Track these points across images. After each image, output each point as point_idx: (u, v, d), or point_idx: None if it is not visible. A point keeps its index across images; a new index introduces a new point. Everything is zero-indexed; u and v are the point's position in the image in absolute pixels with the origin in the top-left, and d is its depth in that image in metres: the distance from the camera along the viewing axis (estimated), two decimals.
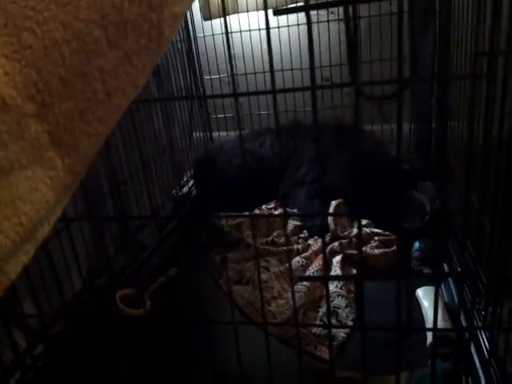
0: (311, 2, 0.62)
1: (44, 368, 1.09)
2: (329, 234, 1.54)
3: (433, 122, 1.83)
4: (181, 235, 1.80)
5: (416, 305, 1.20)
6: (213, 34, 2.22)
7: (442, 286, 1.24)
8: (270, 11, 0.57)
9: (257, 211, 1.79)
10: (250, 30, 2.18)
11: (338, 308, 1.23)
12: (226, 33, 0.60)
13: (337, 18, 2.09)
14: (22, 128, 0.35)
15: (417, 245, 1.42)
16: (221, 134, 2.40)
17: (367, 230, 1.54)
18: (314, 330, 1.17)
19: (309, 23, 0.57)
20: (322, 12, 2.09)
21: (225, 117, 2.31)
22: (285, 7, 0.56)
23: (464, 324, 1.04)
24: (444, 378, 0.91)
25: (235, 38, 2.22)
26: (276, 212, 1.79)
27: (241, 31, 2.20)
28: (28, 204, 0.39)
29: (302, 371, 0.76)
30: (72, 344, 1.14)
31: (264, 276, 1.39)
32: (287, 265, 1.44)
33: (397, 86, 1.79)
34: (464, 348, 0.96)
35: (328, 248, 1.46)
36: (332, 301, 1.25)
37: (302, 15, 1.95)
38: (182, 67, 2.17)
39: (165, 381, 1.09)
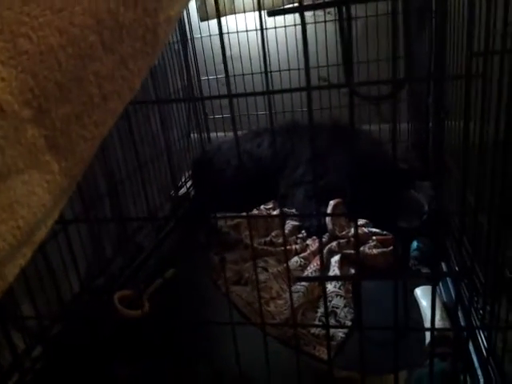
0: (307, 3, 0.62)
1: (42, 370, 1.09)
2: (327, 233, 1.55)
3: (430, 122, 1.84)
4: (179, 236, 1.80)
5: (414, 304, 1.20)
6: (210, 35, 2.22)
7: (441, 285, 1.24)
8: (265, 12, 0.57)
9: (255, 211, 1.79)
10: (247, 31, 2.18)
11: (337, 308, 1.23)
12: (220, 33, 0.60)
13: (333, 18, 2.09)
14: (19, 133, 0.35)
15: (415, 244, 1.43)
16: (218, 134, 2.40)
17: (365, 229, 1.54)
18: (313, 330, 1.17)
19: (303, 24, 0.58)
20: (319, 12, 2.09)
21: (222, 117, 2.31)
22: (279, 8, 0.56)
23: (462, 323, 1.05)
24: (442, 377, 0.91)
25: (232, 38, 2.22)
26: (274, 212, 1.80)
27: (238, 32, 2.20)
28: (25, 207, 0.39)
29: (300, 371, 0.76)
30: (70, 346, 1.15)
31: (262, 276, 1.39)
32: (285, 265, 1.44)
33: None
34: (462, 347, 0.96)
35: (326, 248, 1.46)
36: (330, 301, 1.25)
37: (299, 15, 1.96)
38: (179, 68, 2.17)
39: (163, 382, 1.09)
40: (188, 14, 2.22)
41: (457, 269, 1.21)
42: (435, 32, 1.59)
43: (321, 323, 1.20)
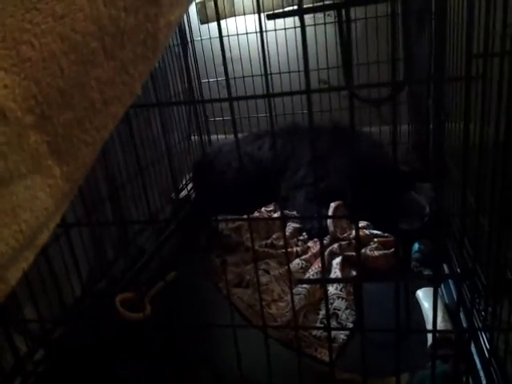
0: (307, 5, 0.62)
1: (44, 374, 1.09)
2: (328, 236, 1.55)
3: (430, 124, 1.84)
4: (180, 239, 1.80)
5: (416, 306, 1.20)
6: (210, 38, 2.22)
7: (442, 286, 1.24)
8: (265, 15, 0.57)
9: (256, 214, 1.79)
10: (247, 33, 2.19)
11: (338, 310, 1.23)
12: (220, 36, 0.60)
13: (333, 20, 2.10)
14: (22, 139, 0.36)
15: (416, 246, 1.43)
16: (219, 136, 2.40)
17: (366, 231, 1.54)
18: (315, 332, 1.17)
19: (303, 27, 0.58)
20: (319, 15, 2.09)
21: (223, 120, 2.31)
22: (279, 11, 0.57)
23: (464, 325, 1.05)
24: (444, 379, 0.91)
25: (232, 40, 2.22)
26: (275, 215, 1.80)
27: (238, 34, 2.21)
28: (28, 212, 0.39)
29: (302, 373, 0.76)
30: (72, 349, 1.15)
31: (264, 279, 1.39)
32: (287, 267, 1.44)
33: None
34: (464, 349, 0.96)
35: (328, 250, 1.46)
36: (332, 303, 1.25)
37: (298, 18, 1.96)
38: (180, 71, 2.17)
39: None
40: (188, 16, 2.22)
41: (458, 270, 1.20)
42: (435, 34, 1.59)
43: (322, 325, 1.20)
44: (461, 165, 0.64)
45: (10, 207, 0.37)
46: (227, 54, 2.22)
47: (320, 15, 2.09)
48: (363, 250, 1.45)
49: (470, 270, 1.02)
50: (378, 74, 2.00)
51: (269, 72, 2.10)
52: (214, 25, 2.21)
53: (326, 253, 1.45)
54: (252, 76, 2.20)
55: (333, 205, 1.62)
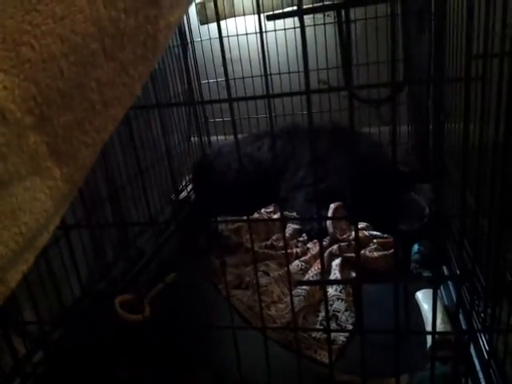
0: (306, 6, 0.62)
1: (43, 375, 1.08)
2: (328, 237, 1.55)
3: (430, 124, 1.84)
4: (180, 240, 1.80)
5: (416, 308, 1.20)
6: (210, 38, 2.22)
7: (442, 288, 1.24)
8: (265, 16, 0.57)
9: (256, 215, 1.79)
10: (246, 34, 2.19)
11: (338, 312, 1.23)
12: (220, 37, 0.60)
13: (333, 20, 2.10)
14: (21, 140, 0.36)
15: (416, 247, 1.42)
16: (219, 137, 2.40)
17: (366, 232, 1.54)
18: (314, 333, 1.17)
19: (302, 28, 0.58)
20: (318, 15, 2.10)
21: (223, 121, 2.31)
22: (279, 12, 0.57)
23: (464, 326, 1.05)
24: (443, 380, 0.91)
25: (232, 41, 2.22)
26: (275, 216, 1.80)
27: (238, 35, 2.21)
28: (27, 214, 0.39)
29: (301, 375, 0.76)
30: (72, 350, 1.14)
31: (263, 280, 1.39)
32: (286, 269, 1.44)
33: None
34: (463, 350, 0.96)
35: (327, 251, 1.46)
36: (332, 304, 1.25)
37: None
38: (180, 72, 2.17)
39: None
40: (188, 17, 2.22)
41: (458, 272, 1.20)
42: (434, 34, 1.59)
43: (322, 327, 1.20)
44: (460, 166, 0.64)
45: (9, 209, 0.37)
46: (227, 55, 2.22)
47: (319, 16, 2.09)
48: (363, 251, 1.45)
49: (469, 271, 1.02)
50: (377, 74, 2.00)
51: (268, 73, 2.10)
52: (213, 25, 2.21)
53: (326, 254, 1.45)
54: (252, 77, 2.20)
55: (332, 206, 1.62)
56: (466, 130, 0.61)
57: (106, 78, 0.41)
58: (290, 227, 1.68)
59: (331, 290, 1.30)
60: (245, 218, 0.81)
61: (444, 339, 0.99)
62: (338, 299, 1.27)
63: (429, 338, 1.06)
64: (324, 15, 2.09)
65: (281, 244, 1.59)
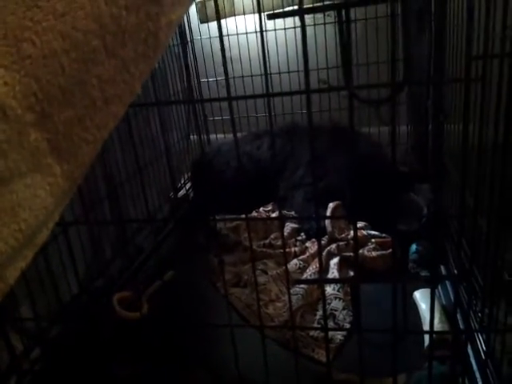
0: (307, 5, 0.62)
1: (41, 372, 1.08)
2: (326, 236, 1.55)
3: (429, 125, 1.84)
4: (178, 238, 1.80)
5: (414, 307, 1.20)
6: (209, 37, 2.22)
7: (440, 288, 1.24)
8: (265, 15, 0.57)
9: (254, 214, 1.79)
10: (246, 33, 2.19)
11: (336, 310, 1.23)
12: (220, 36, 0.60)
13: (333, 20, 2.10)
14: (22, 137, 0.36)
15: (414, 247, 1.43)
16: (218, 136, 2.40)
17: (364, 232, 1.54)
18: (312, 332, 1.17)
19: (303, 27, 0.58)
20: (319, 15, 2.09)
21: (222, 119, 2.31)
22: (279, 11, 0.57)
23: (461, 326, 1.05)
24: (441, 380, 0.91)
25: (232, 40, 2.22)
26: (273, 214, 1.80)
27: (238, 34, 2.21)
28: (27, 210, 0.39)
29: (299, 374, 0.76)
30: (69, 347, 1.14)
31: (262, 279, 1.39)
32: (285, 267, 1.44)
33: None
34: (461, 350, 0.96)
35: (325, 250, 1.46)
36: (329, 303, 1.25)
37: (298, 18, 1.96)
38: (179, 70, 2.17)
39: None
40: (188, 16, 2.22)
41: (456, 272, 1.21)
42: (434, 35, 1.60)
43: (319, 326, 1.21)
44: (460, 166, 0.64)
45: (9, 206, 0.37)
46: (227, 54, 2.21)
47: (320, 15, 2.09)
48: (361, 251, 1.45)
49: (467, 271, 1.02)
50: (377, 74, 2.00)
51: (268, 72, 2.10)
52: (213, 24, 2.21)
53: (324, 253, 1.45)
54: (251, 76, 2.20)
55: (331, 205, 1.62)
56: (465, 131, 0.61)
57: (107, 75, 0.41)
58: (289, 226, 1.68)
59: (329, 289, 1.30)
60: (243, 216, 0.80)
61: (441, 339, 1.00)
62: (336, 298, 1.27)
63: (426, 338, 1.06)
64: (324, 15, 2.09)
65: (279, 243, 1.60)
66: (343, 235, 1.55)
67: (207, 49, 2.24)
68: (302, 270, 1.42)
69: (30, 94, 0.35)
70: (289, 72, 2.16)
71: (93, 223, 1.40)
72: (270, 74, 2.12)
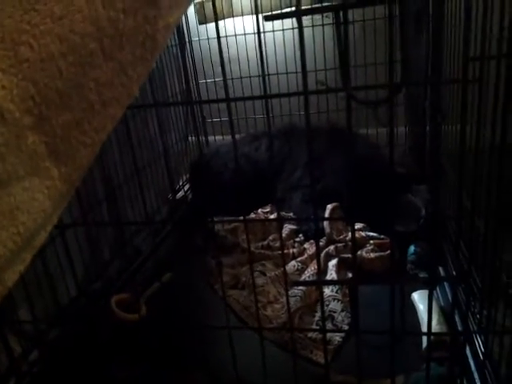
0: (305, 6, 0.62)
1: (39, 374, 1.08)
2: (324, 237, 1.55)
3: (427, 126, 1.84)
4: (176, 240, 1.80)
5: (412, 308, 1.20)
6: (208, 38, 2.22)
7: (438, 289, 1.24)
8: (261, 16, 0.57)
9: (253, 215, 1.79)
10: (245, 34, 2.19)
11: (334, 312, 1.23)
12: (218, 37, 0.61)
13: (331, 21, 2.10)
14: (20, 140, 0.36)
15: (412, 248, 1.43)
16: (217, 137, 2.40)
17: (362, 233, 1.54)
18: (310, 334, 1.17)
19: (300, 29, 0.58)
20: (317, 16, 2.10)
21: (220, 121, 2.31)
22: (277, 12, 0.57)
23: (459, 327, 1.05)
24: (439, 381, 0.91)
25: (231, 41, 2.22)
26: (272, 216, 1.80)
27: (236, 35, 2.21)
28: (25, 214, 0.39)
29: (297, 375, 0.76)
30: (67, 349, 1.14)
31: (260, 280, 1.39)
32: (283, 269, 1.44)
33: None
34: (459, 351, 0.97)
35: (324, 252, 1.46)
36: (328, 305, 1.25)
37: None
38: (178, 72, 2.17)
39: None
40: (186, 17, 2.22)
41: (454, 273, 1.21)
42: (432, 36, 1.60)
43: (318, 327, 1.21)
44: (457, 167, 0.64)
45: (8, 209, 0.37)
46: (225, 55, 2.22)
47: (318, 17, 2.09)
48: (359, 252, 1.45)
49: (465, 272, 1.02)
50: (375, 75, 2.01)
51: (266, 73, 2.11)
52: (212, 25, 2.21)
53: (322, 255, 1.45)
54: (250, 77, 2.20)
55: (329, 206, 1.62)
56: (462, 132, 0.61)
57: (105, 78, 0.41)
58: (287, 227, 1.68)
59: (327, 291, 1.30)
60: (241, 218, 0.81)
61: (439, 340, 1.00)
62: (334, 300, 1.27)
63: (424, 339, 1.06)
64: (322, 16, 2.09)
65: (277, 244, 1.60)
66: (341, 237, 1.55)
67: (206, 50, 2.24)
68: (301, 271, 1.42)
69: (27, 97, 0.35)
70: (287, 73, 2.16)
71: (91, 225, 1.40)
72: (268, 75, 2.12)
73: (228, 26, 2.21)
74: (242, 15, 2.18)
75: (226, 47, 2.23)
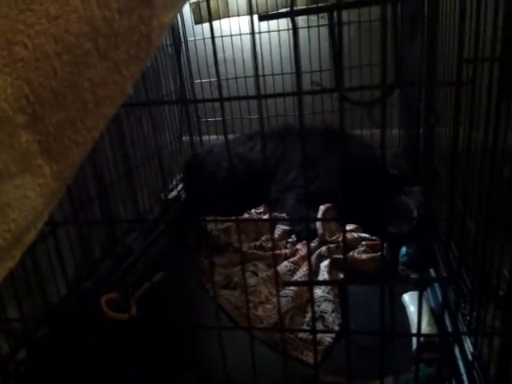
0: (302, 7, 0.63)
1: (27, 374, 1.08)
2: (317, 238, 1.55)
3: (421, 127, 1.85)
4: (169, 239, 1.80)
5: (403, 310, 1.21)
6: (203, 38, 2.22)
7: (429, 291, 1.25)
8: (256, 16, 0.57)
9: (246, 215, 1.79)
10: (240, 34, 2.19)
11: (325, 313, 1.23)
12: (212, 37, 0.61)
13: (327, 22, 2.10)
14: (13, 138, 0.36)
15: (404, 250, 1.43)
16: (212, 137, 2.40)
17: (355, 234, 1.55)
18: (301, 334, 1.18)
19: (294, 29, 0.58)
20: (313, 17, 2.10)
21: (215, 120, 2.31)
22: (273, 12, 0.57)
23: (449, 329, 1.05)
24: (428, 382, 0.92)
25: (226, 41, 2.22)
26: (265, 216, 1.80)
27: (232, 35, 2.21)
28: (16, 211, 0.39)
29: (287, 376, 0.77)
30: (56, 349, 1.14)
31: (252, 281, 1.39)
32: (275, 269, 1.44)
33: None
34: (448, 353, 0.97)
35: (316, 252, 1.47)
36: (319, 305, 1.26)
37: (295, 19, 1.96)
38: (173, 71, 2.17)
39: None
40: (182, 17, 2.22)
41: (444, 274, 1.21)
42: (427, 37, 1.60)
43: (309, 328, 1.21)
44: (449, 169, 0.64)
45: None
46: (221, 55, 2.22)
47: (313, 17, 2.10)
48: (351, 253, 1.46)
49: (454, 272, 1.03)
50: (370, 76, 2.01)
51: (262, 73, 2.11)
52: (208, 25, 2.21)
53: (315, 255, 1.45)
54: (245, 77, 2.20)
55: (322, 207, 1.63)
56: (455, 134, 0.61)
57: (99, 77, 0.41)
58: (280, 228, 1.68)
59: (319, 291, 1.30)
60: (233, 218, 0.81)
61: (429, 341, 1.00)
62: (326, 300, 1.27)
63: (414, 340, 1.07)
64: (318, 17, 2.10)
65: (270, 245, 1.60)
66: (334, 237, 1.55)
67: (201, 50, 2.24)
68: (293, 272, 1.43)
69: (21, 96, 0.35)
70: (282, 74, 2.17)
71: (82, 223, 1.39)
72: (264, 75, 2.13)
73: (224, 26, 2.21)
74: (238, 15, 2.18)
75: (221, 47, 2.23)
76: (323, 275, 1.37)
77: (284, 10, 2.10)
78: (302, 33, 2.12)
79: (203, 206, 1.89)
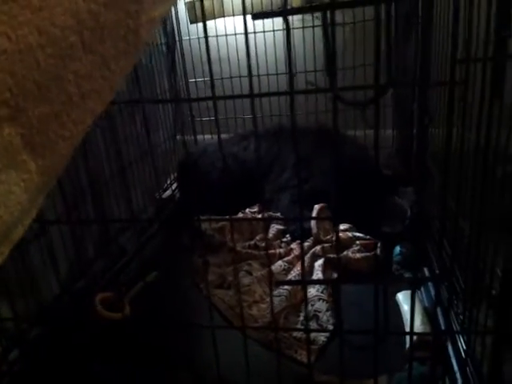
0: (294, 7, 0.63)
1: (19, 374, 1.07)
2: (311, 237, 1.55)
3: (414, 128, 1.85)
4: (162, 239, 1.79)
5: (397, 309, 1.21)
6: (198, 37, 2.21)
7: (422, 290, 1.25)
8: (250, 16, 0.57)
9: (240, 215, 1.79)
10: (235, 34, 2.19)
11: (319, 312, 1.23)
12: (206, 37, 0.61)
13: (321, 23, 2.10)
14: None
15: (398, 249, 1.44)
16: (206, 136, 2.39)
17: (349, 234, 1.55)
18: (295, 333, 1.17)
19: (287, 28, 0.58)
20: (307, 17, 2.10)
21: (209, 120, 2.31)
22: (267, 11, 0.57)
23: (442, 327, 1.05)
24: (421, 381, 0.92)
25: (221, 41, 2.22)
26: (259, 216, 1.80)
27: (226, 35, 2.21)
28: (2, 207, 0.38)
29: (281, 375, 0.76)
30: (49, 348, 1.13)
31: (246, 280, 1.39)
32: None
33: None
34: (441, 351, 0.97)
35: (310, 252, 1.47)
36: (313, 305, 1.25)
37: (289, 19, 1.96)
38: (167, 70, 2.16)
39: None
40: (177, 15, 2.21)
41: (437, 273, 1.22)
42: (421, 38, 1.60)
43: (303, 327, 1.21)
44: (442, 168, 0.64)
45: None
46: (215, 55, 2.22)
47: (308, 17, 2.10)
48: (345, 252, 1.46)
49: (447, 269, 1.03)
50: (364, 77, 2.01)
51: (257, 73, 2.11)
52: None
53: (309, 255, 1.45)
54: (240, 77, 2.20)
55: (317, 207, 1.63)
56: (448, 134, 0.61)
57: (84, 70, 0.41)
58: (274, 227, 1.68)
59: (313, 291, 1.30)
60: (228, 217, 0.81)
61: (422, 340, 1.00)
62: (320, 299, 1.27)
63: (408, 339, 1.06)
64: (313, 17, 2.10)
65: (264, 244, 1.60)
66: (328, 237, 1.55)
67: (196, 49, 2.23)
68: (287, 271, 1.42)
69: (4, 89, 0.34)
70: (277, 74, 2.17)
71: (75, 222, 1.39)
72: (259, 75, 2.12)
73: (219, 25, 2.21)
74: (233, 15, 2.18)
75: (216, 47, 2.23)
76: (317, 274, 1.37)
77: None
78: (297, 33, 2.12)
79: (197, 205, 1.88)
